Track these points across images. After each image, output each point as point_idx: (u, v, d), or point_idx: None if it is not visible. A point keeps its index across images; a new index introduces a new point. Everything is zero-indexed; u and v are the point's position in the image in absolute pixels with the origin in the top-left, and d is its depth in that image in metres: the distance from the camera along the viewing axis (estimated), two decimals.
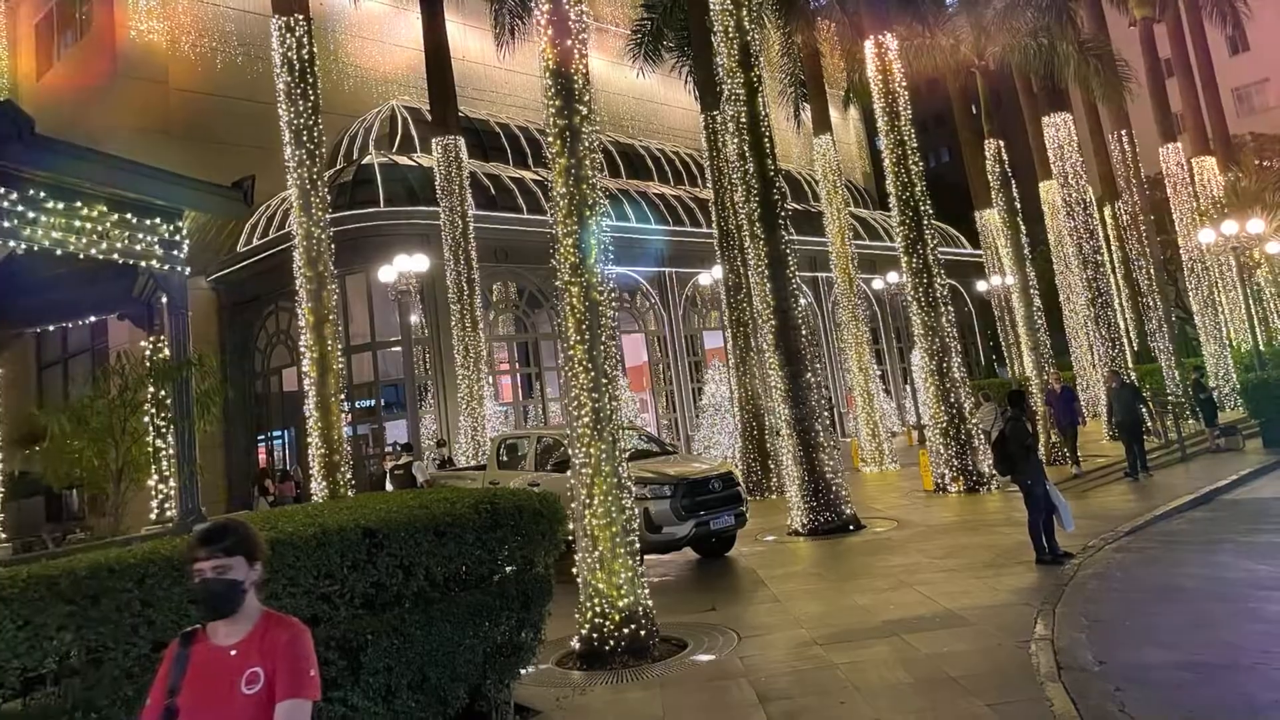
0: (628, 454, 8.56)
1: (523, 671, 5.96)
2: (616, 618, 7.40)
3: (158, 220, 8.96)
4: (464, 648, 5.19)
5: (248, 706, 2.56)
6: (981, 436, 15.66)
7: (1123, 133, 27.79)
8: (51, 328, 13.81)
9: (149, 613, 3.97)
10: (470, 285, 19.20)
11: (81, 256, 8.34)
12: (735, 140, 14.20)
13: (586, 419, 7.77)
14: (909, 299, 16.41)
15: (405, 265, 17.75)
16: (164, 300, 9.72)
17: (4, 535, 12.99)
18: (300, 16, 13.64)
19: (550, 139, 8.36)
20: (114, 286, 10.07)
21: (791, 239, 14.02)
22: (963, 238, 41.09)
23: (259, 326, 25.97)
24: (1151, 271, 27.07)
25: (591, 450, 7.72)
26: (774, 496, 17.49)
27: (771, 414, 16.83)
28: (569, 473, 8.06)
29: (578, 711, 6.27)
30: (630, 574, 7.56)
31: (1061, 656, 6.34)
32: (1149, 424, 19.82)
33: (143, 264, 8.96)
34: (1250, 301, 29.01)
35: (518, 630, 5.65)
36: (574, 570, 7.76)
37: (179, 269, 9.33)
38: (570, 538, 7.17)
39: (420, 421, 21.27)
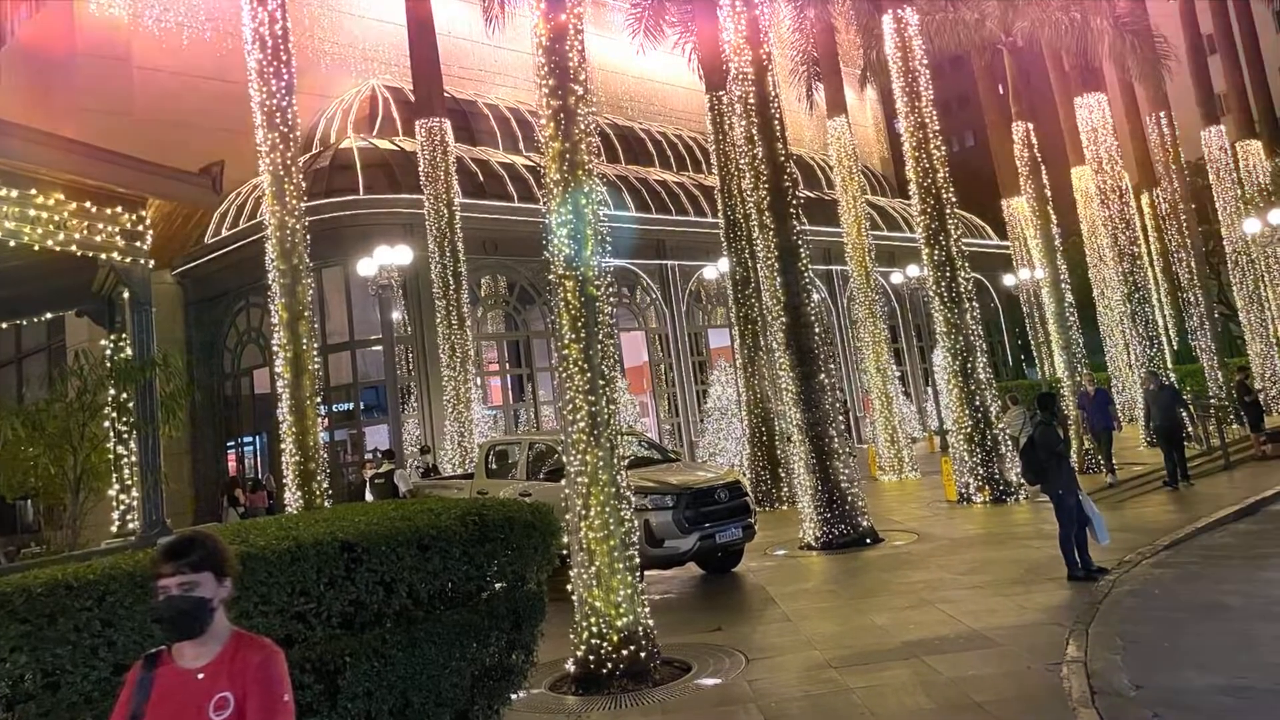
0: (627, 461, 8.57)
1: (513, 696, 5.96)
2: (615, 638, 7.40)
3: (119, 209, 8.94)
4: (450, 670, 5.19)
5: None
6: (1009, 442, 15.66)
7: (1161, 115, 27.76)
8: (4, 325, 13.81)
9: (110, 633, 3.97)
10: (457, 279, 19.21)
11: (37, 248, 8.32)
12: (743, 122, 14.21)
13: (582, 423, 7.77)
14: (930, 294, 16.42)
15: (386, 257, 17.77)
16: (126, 295, 9.68)
17: None
18: None
19: (543, 121, 8.37)
20: (72, 281, 10.05)
21: (804, 229, 14.03)
22: (989, 228, 41.13)
23: (228, 324, 26.02)
24: (1192, 264, 27.05)
25: (588, 457, 7.72)
26: (785, 507, 17.50)
27: (782, 418, 16.85)
28: (563, 482, 8.07)
29: None
30: (629, 591, 7.57)
31: (1095, 680, 6.34)
32: (1190, 429, 19.83)
33: (103, 256, 8.94)
34: None
35: (508, 652, 5.64)
36: (569, 587, 7.76)
37: (142, 262, 9.32)
38: (565, 552, 7.18)
39: (403, 426, 21.30)
